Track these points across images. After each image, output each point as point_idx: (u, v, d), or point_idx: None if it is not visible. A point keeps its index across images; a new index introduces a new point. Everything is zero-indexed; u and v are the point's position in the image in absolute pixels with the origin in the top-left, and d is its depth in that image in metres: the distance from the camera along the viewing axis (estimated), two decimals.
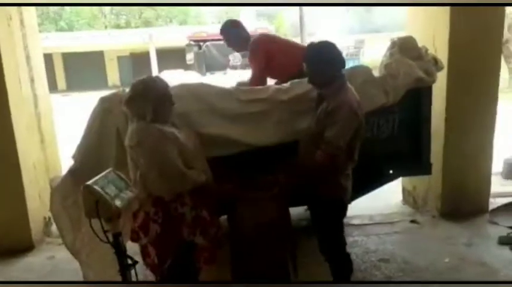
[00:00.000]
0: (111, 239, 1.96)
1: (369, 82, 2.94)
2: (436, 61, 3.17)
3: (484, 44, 3.82)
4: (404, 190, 4.58)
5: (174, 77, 5.36)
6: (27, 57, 4.12)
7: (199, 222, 2.38)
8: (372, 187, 3.23)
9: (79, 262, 2.77)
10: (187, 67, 9.24)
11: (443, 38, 3.78)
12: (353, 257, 3.18)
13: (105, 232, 1.89)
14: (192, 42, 9.31)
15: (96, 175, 2.69)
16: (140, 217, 2.35)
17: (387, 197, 4.40)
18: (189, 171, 2.29)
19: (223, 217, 2.90)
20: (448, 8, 3.70)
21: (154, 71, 20.55)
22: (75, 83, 23.98)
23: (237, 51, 5.31)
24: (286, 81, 2.99)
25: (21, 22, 4.07)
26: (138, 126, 2.27)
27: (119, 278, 2.69)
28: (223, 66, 8.43)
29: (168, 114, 2.37)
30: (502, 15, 3.90)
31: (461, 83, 3.80)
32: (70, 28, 27.64)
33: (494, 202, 4.12)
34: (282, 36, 5.40)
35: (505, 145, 4.88)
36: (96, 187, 1.85)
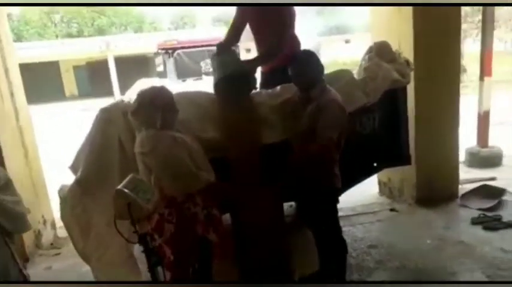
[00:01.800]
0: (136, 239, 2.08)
1: (351, 84, 3.19)
2: (408, 63, 3.50)
3: (445, 45, 4.20)
4: (380, 182, 4.90)
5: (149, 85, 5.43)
6: (6, 70, 4.09)
7: (211, 220, 2.53)
8: (359, 179, 3.48)
9: (90, 267, 2.84)
10: (153, 75, 9.27)
11: (409, 41, 4.12)
12: None
13: (136, 232, 2.01)
14: (160, 51, 9.34)
15: (101, 183, 2.82)
16: (154, 219, 2.46)
17: (364, 190, 4.69)
18: (199, 172, 2.45)
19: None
20: (411, 11, 4.05)
21: (114, 79, 20.23)
22: (33, 95, 23.08)
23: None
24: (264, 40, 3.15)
25: None
26: (149, 134, 2.40)
27: (128, 279, 2.83)
28: (195, 73, 8.52)
29: (174, 121, 2.51)
30: (459, 12, 4.30)
31: (427, 82, 4.14)
32: (19, 38, 26.58)
33: (462, 188, 4.53)
34: None
35: (465, 136, 5.31)
36: (127, 191, 1.96)
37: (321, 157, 2.57)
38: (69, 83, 25.35)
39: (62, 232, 4.29)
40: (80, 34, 28.80)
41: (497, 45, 17.96)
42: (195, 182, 2.42)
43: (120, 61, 20.58)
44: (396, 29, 4.26)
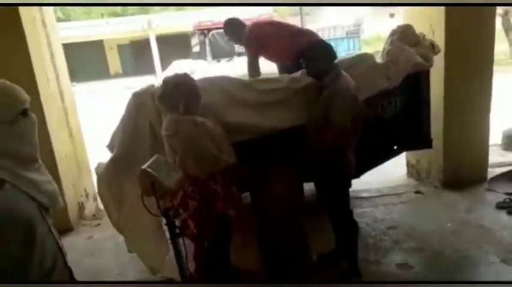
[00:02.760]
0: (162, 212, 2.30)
1: (372, 68, 3.25)
2: (433, 46, 3.47)
3: (479, 22, 4.07)
4: (408, 163, 4.90)
5: (184, 67, 5.66)
6: (51, 55, 4.40)
7: (231, 197, 2.73)
8: (378, 162, 3.56)
9: (123, 236, 3.13)
10: (191, 55, 9.48)
11: (441, 22, 4.04)
12: (363, 225, 3.58)
13: (158, 207, 2.23)
14: (196, 31, 9.51)
15: (134, 162, 3.05)
16: (179, 195, 2.69)
17: (392, 172, 4.73)
18: (220, 154, 2.64)
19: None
20: None
21: (156, 58, 20.73)
22: (78, 74, 24.12)
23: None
24: (284, 62, 3.28)
25: (43, 22, 4.33)
26: (174, 118, 2.60)
27: (154, 251, 3.09)
28: (229, 53, 8.65)
29: (197, 106, 2.70)
30: None
31: (458, 64, 4.07)
32: (67, 18, 27.60)
33: (493, 172, 4.46)
34: (280, 20, 5.53)
35: (506, 117, 5.16)
36: (150, 170, 2.17)
37: (333, 143, 2.66)
38: (114, 62, 26.18)
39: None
40: (123, 12, 29.49)
41: None
42: (215, 163, 2.61)
43: (162, 40, 21.04)
44: (428, 10, 4.18)
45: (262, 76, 3.62)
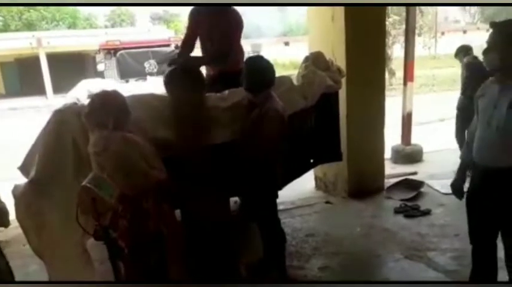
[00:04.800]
0: (100, 232, 2.25)
1: (291, 89, 3.55)
2: (340, 71, 3.94)
3: (372, 54, 4.70)
4: (316, 177, 5.32)
5: (93, 86, 5.47)
6: None
7: (163, 214, 2.74)
8: (298, 174, 3.85)
9: (44, 262, 2.93)
10: (90, 74, 9.14)
11: (341, 49, 4.56)
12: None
13: (98, 224, 2.18)
14: (100, 51, 9.21)
15: (55, 182, 2.92)
16: (109, 215, 2.62)
17: (302, 186, 5.07)
18: (151, 170, 2.65)
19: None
20: (343, 22, 4.49)
21: (47, 78, 19.29)
22: None
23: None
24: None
25: None
26: (102, 135, 2.55)
27: (80, 275, 2.96)
28: (139, 73, 8.52)
29: (126, 122, 2.68)
30: (383, 24, 4.83)
31: (356, 86, 4.58)
32: None
33: (388, 182, 5.09)
34: None
35: (391, 135, 5.92)
36: (91, 186, 2.13)
37: (262, 159, 2.86)
38: None
39: (2, 235, 4.25)
40: (5, 28, 27.02)
41: (422, 51, 19.65)
42: (146, 180, 2.60)
43: (51, 58, 19.66)
44: (330, 38, 4.69)
45: None
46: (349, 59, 4.53)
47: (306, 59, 3.84)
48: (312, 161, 3.94)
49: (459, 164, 2.64)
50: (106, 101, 2.61)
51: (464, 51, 5.46)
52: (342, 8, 4.41)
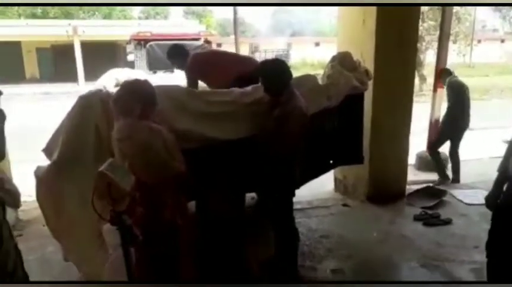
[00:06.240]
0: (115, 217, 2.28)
1: (315, 89, 3.52)
2: (367, 72, 3.86)
3: (402, 58, 4.60)
4: (336, 179, 5.26)
5: (122, 75, 5.55)
6: None
7: (179, 205, 2.77)
8: (316, 175, 3.81)
9: (60, 244, 3.01)
10: (121, 64, 9.29)
11: (370, 52, 4.49)
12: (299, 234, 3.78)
13: (113, 209, 2.21)
14: (133, 41, 9.35)
15: (76, 165, 2.99)
16: (126, 201, 2.66)
17: (321, 186, 5.03)
18: (172, 161, 2.67)
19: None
20: (374, 25, 4.42)
21: (80, 65, 19.81)
22: None
23: None
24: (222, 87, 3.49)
25: None
26: (127, 122, 2.59)
27: (92, 259, 3.01)
28: (167, 65, 8.59)
29: (152, 113, 2.71)
30: (417, 29, 4.73)
31: (384, 90, 4.52)
32: None
33: (410, 188, 4.98)
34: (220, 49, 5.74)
35: (417, 141, 5.80)
36: (108, 172, 2.16)
37: (282, 156, 2.85)
38: (30, 65, 24.42)
39: (23, 215, 4.40)
40: (44, 15, 27.81)
41: (456, 58, 19.12)
42: (166, 170, 2.63)
43: (87, 47, 20.17)
44: (360, 40, 4.62)
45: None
46: (378, 61, 4.45)
47: (333, 58, 3.80)
48: (331, 162, 3.89)
49: (496, 177, 2.52)
50: (136, 89, 2.64)
51: (447, 73, 5.75)
52: (374, 11, 4.35)
